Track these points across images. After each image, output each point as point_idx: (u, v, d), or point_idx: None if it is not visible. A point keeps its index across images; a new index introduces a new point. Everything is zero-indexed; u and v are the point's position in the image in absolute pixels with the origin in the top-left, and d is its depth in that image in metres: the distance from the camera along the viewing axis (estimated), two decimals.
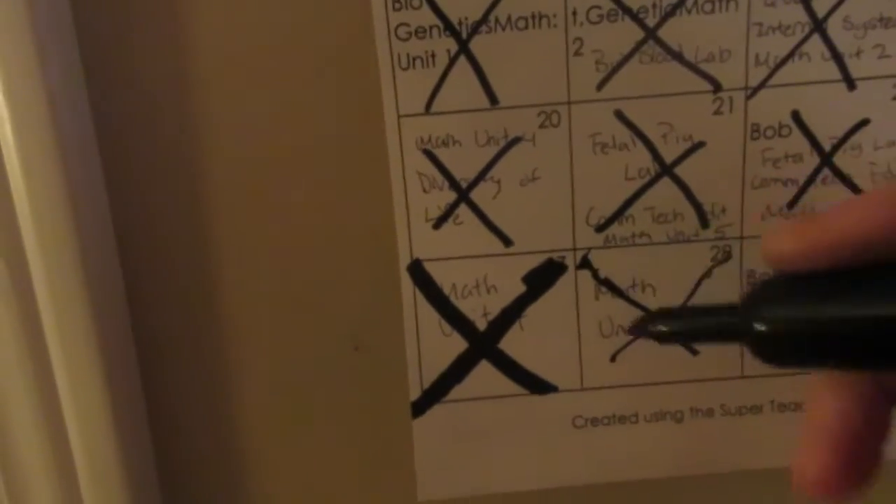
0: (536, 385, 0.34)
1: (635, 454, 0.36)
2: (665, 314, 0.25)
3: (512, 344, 0.34)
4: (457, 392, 0.34)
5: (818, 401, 0.20)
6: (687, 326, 0.23)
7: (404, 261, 0.33)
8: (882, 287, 0.19)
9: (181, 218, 0.33)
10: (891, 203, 0.18)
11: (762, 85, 0.31)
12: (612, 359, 0.34)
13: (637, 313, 0.33)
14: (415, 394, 0.34)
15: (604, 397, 0.35)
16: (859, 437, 0.20)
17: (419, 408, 0.34)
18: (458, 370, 0.34)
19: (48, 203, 0.30)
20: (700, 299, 0.33)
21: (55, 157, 0.30)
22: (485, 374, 0.34)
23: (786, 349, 0.20)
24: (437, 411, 0.34)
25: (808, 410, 0.21)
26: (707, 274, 0.33)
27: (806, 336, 0.20)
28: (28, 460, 0.34)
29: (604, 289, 0.33)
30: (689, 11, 0.31)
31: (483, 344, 0.34)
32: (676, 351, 0.34)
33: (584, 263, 0.33)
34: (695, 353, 0.34)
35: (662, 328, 0.25)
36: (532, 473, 0.36)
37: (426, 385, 0.34)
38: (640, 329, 0.26)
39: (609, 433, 0.35)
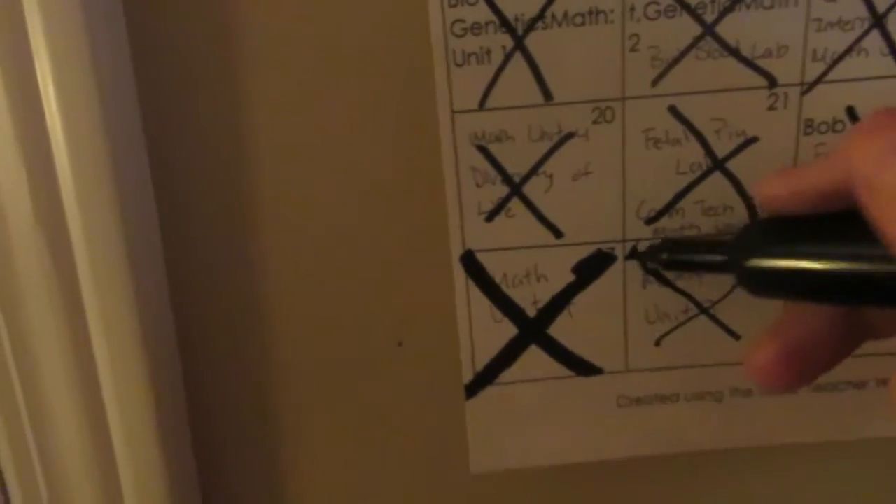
0: (583, 367, 0.36)
1: (675, 430, 0.37)
2: (669, 245, 0.29)
3: (560, 330, 0.35)
4: (507, 375, 0.36)
5: (789, 311, 0.24)
6: (687, 258, 0.27)
7: (457, 252, 0.34)
8: (846, 230, 0.22)
9: (225, 211, 0.34)
10: (847, 158, 0.21)
11: (818, 80, 0.31)
12: (657, 343, 0.35)
13: (682, 302, 0.34)
14: (467, 377, 0.36)
15: (647, 379, 0.36)
16: (808, 345, 0.24)
17: (472, 390, 0.36)
18: (508, 355, 0.35)
19: (93, 183, 0.31)
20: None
21: (102, 144, 0.30)
22: (534, 358, 0.36)
23: (768, 283, 0.24)
24: (488, 392, 0.36)
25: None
26: None
27: (785, 272, 0.23)
28: (66, 438, 0.35)
29: (651, 278, 0.34)
30: (747, 7, 0.30)
31: (532, 330, 0.35)
32: (718, 335, 0.35)
33: (633, 254, 0.34)
34: (737, 337, 0.35)
35: (665, 256, 0.29)
36: (577, 448, 0.37)
37: (478, 368, 0.36)
38: (647, 255, 0.30)
39: (651, 411, 0.37)
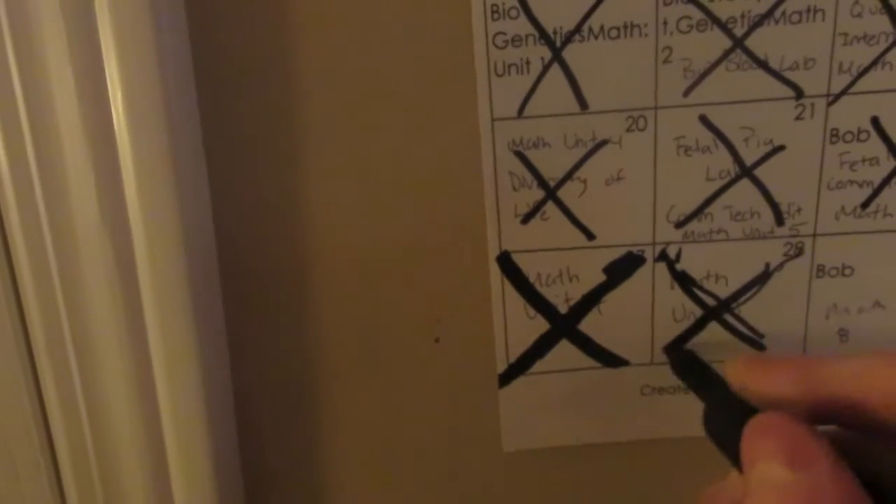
0: (610, 360, 0.37)
1: (694, 415, 0.39)
2: (686, 363, 0.32)
3: (590, 326, 0.37)
4: (539, 366, 0.38)
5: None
6: (689, 383, 0.31)
7: (493, 252, 0.36)
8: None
9: (275, 212, 0.36)
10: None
11: (844, 92, 0.33)
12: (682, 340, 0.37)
13: (709, 303, 0.36)
14: (501, 367, 0.37)
15: (670, 371, 0.38)
16: None
17: (505, 379, 0.38)
18: (540, 347, 0.37)
19: (155, 187, 0.32)
20: (770, 291, 0.35)
21: (165, 154, 0.32)
22: (564, 351, 0.37)
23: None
24: (521, 381, 0.38)
25: None
26: (778, 267, 0.35)
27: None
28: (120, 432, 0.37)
29: (677, 282, 0.36)
30: (776, 22, 0.32)
31: (564, 325, 0.37)
32: (739, 333, 0.37)
33: (662, 256, 0.35)
34: (759, 335, 0.37)
35: (675, 370, 0.32)
36: (602, 429, 0.39)
37: (511, 360, 0.37)
38: (668, 352, 0.33)
39: (672, 399, 0.38)
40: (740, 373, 0.26)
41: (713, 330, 0.36)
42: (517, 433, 0.39)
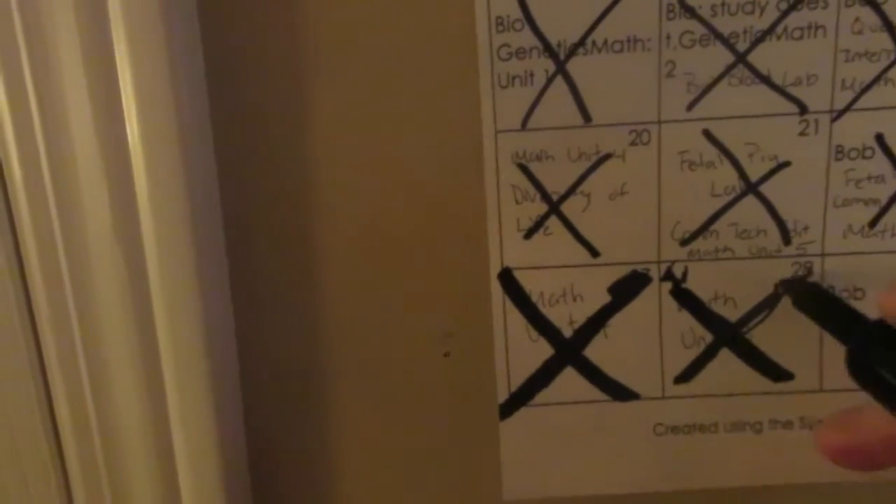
0: (619, 392, 0.36)
1: (713, 463, 0.37)
2: (815, 290, 0.29)
3: (596, 352, 0.35)
4: (542, 396, 0.36)
5: (869, 411, 0.25)
6: (816, 312, 0.28)
7: (495, 269, 0.35)
8: None
9: (283, 214, 0.35)
10: None
11: (847, 108, 0.33)
12: (694, 374, 0.35)
13: (720, 327, 0.35)
14: (502, 396, 0.36)
15: (684, 406, 0.36)
16: (877, 449, 0.25)
17: (506, 410, 0.36)
18: (544, 375, 0.36)
19: (167, 200, 0.32)
20: (780, 314, 0.34)
21: (178, 169, 0.32)
22: (570, 380, 0.36)
23: (873, 384, 0.24)
24: (522, 414, 0.36)
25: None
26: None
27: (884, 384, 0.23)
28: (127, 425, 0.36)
29: (682, 303, 0.35)
30: (778, 38, 0.32)
31: (568, 351, 0.35)
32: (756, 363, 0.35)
33: (668, 276, 0.34)
34: (775, 366, 0.35)
35: (799, 301, 0.29)
36: (612, 478, 0.37)
37: (513, 388, 0.36)
38: (785, 286, 0.30)
39: (689, 441, 0.36)
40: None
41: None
42: (519, 480, 0.37)
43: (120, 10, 0.31)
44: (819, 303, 0.31)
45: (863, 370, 0.25)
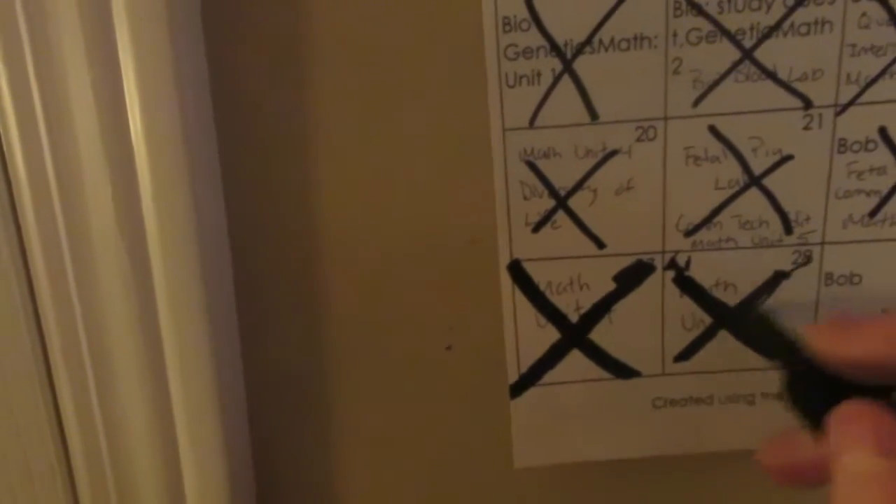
0: (622, 371, 0.38)
1: (708, 430, 0.39)
2: (762, 327, 0.31)
3: (601, 335, 0.37)
4: (550, 377, 0.38)
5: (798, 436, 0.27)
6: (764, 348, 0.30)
7: (504, 260, 0.36)
8: None
9: (288, 210, 0.36)
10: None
11: (852, 102, 0.33)
12: (693, 354, 0.37)
13: (719, 310, 0.36)
14: (512, 377, 0.38)
15: (683, 382, 0.38)
16: (808, 470, 0.26)
17: (516, 390, 0.38)
18: (551, 358, 0.37)
19: (170, 196, 0.33)
20: (779, 299, 0.36)
21: (181, 164, 0.33)
22: (575, 362, 0.38)
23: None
24: (531, 393, 0.38)
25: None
26: (787, 275, 0.36)
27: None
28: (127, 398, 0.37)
29: (684, 290, 0.36)
30: (784, 34, 0.32)
31: (574, 335, 0.37)
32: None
33: (672, 265, 0.36)
34: None
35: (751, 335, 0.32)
36: (614, 445, 0.39)
37: (523, 370, 0.38)
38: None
39: (685, 412, 0.38)
40: (827, 337, 0.26)
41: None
42: (528, 449, 0.39)
43: (124, 7, 0.31)
44: (763, 333, 0.33)
45: (794, 401, 0.27)
